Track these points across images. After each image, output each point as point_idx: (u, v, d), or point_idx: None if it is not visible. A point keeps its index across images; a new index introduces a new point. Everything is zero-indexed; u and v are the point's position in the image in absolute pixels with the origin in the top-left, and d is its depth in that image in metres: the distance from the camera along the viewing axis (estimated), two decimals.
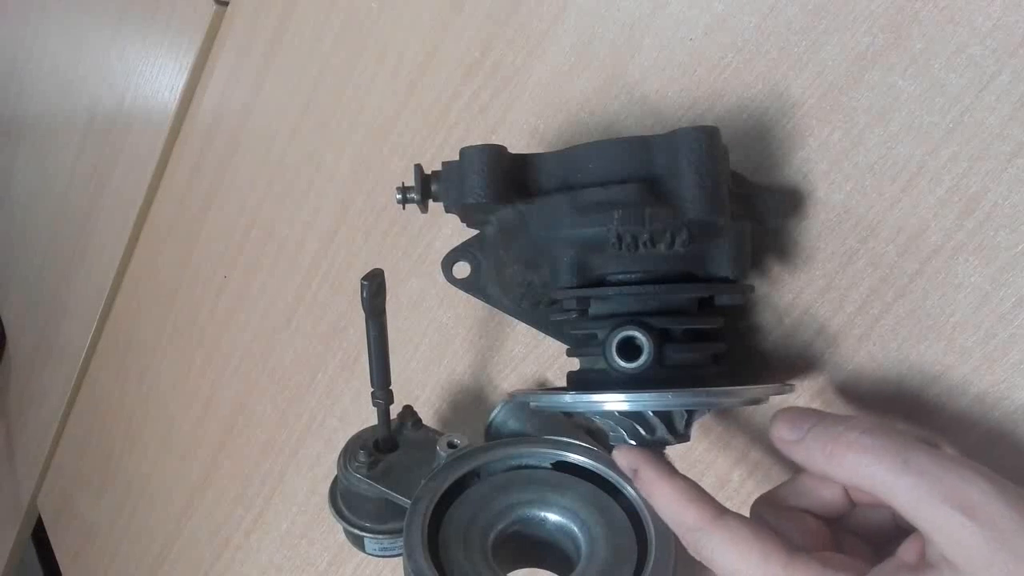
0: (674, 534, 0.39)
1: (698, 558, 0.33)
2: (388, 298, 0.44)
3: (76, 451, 1.11)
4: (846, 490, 0.34)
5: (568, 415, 0.47)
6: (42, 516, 1.22)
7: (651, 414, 0.38)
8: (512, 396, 0.46)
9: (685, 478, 0.35)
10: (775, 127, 0.40)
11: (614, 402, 0.36)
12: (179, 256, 0.84)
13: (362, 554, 0.50)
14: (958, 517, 0.27)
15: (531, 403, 0.40)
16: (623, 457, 0.37)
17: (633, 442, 0.38)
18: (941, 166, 0.36)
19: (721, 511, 0.33)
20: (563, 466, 0.44)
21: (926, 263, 0.36)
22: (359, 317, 0.44)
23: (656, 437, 0.38)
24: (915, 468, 0.28)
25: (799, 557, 0.30)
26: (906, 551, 0.30)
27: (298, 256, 0.68)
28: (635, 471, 0.36)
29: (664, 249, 0.36)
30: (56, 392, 1.13)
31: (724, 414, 0.43)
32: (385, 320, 0.45)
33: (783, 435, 0.33)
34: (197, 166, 0.81)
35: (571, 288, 0.38)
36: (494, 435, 0.48)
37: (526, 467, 0.45)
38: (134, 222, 0.92)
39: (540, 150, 0.47)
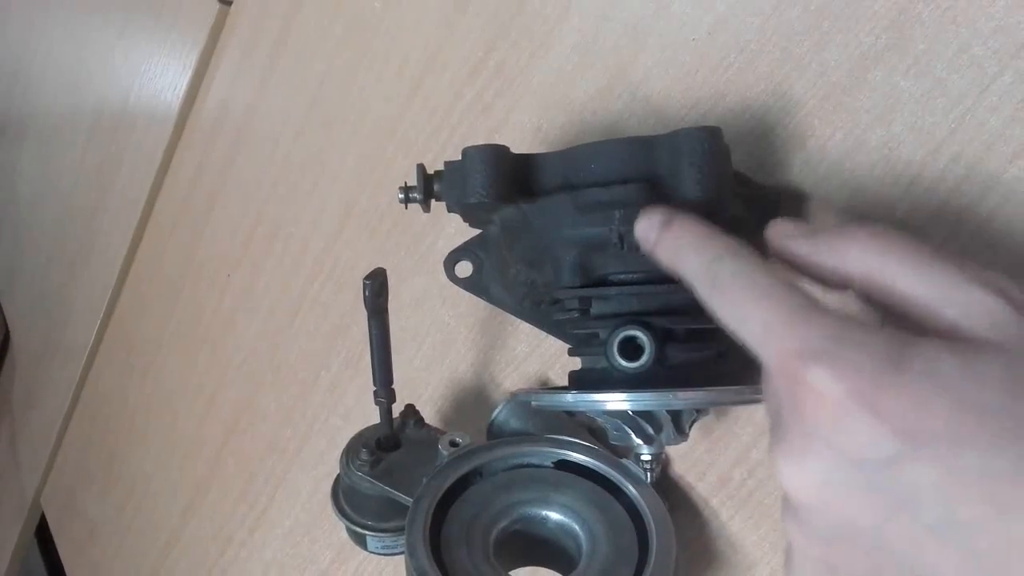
0: (674, 533, 0.39)
1: (709, 292, 0.29)
2: (391, 297, 0.44)
3: (80, 449, 1.11)
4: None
5: (570, 414, 0.47)
6: (46, 514, 1.22)
7: (654, 413, 0.38)
8: (514, 395, 0.46)
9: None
10: (777, 127, 0.40)
11: (616, 401, 0.36)
12: (183, 255, 0.85)
13: (364, 552, 0.50)
14: (994, 299, 0.25)
15: (533, 402, 0.40)
16: (652, 214, 0.34)
17: (639, 440, 0.38)
18: (943, 167, 0.36)
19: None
20: (565, 465, 0.44)
21: None
22: (362, 316, 0.45)
23: (657, 436, 0.39)
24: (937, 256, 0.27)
25: (820, 304, 0.27)
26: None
27: (302, 255, 0.68)
28: (668, 220, 0.33)
29: None
30: (60, 390, 1.13)
31: (725, 413, 0.43)
32: (387, 319, 0.45)
33: (786, 228, 0.31)
34: (201, 165, 0.82)
35: (573, 288, 0.38)
36: (496, 434, 0.48)
37: (528, 466, 0.45)
38: (138, 221, 0.92)
39: (543, 150, 0.47)
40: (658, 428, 0.38)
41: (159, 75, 0.87)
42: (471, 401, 0.55)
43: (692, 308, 0.37)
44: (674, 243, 0.32)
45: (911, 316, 0.27)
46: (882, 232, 0.28)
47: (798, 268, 0.31)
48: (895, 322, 0.28)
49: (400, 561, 0.43)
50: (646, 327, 0.36)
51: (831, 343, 0.25)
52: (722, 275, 0.29)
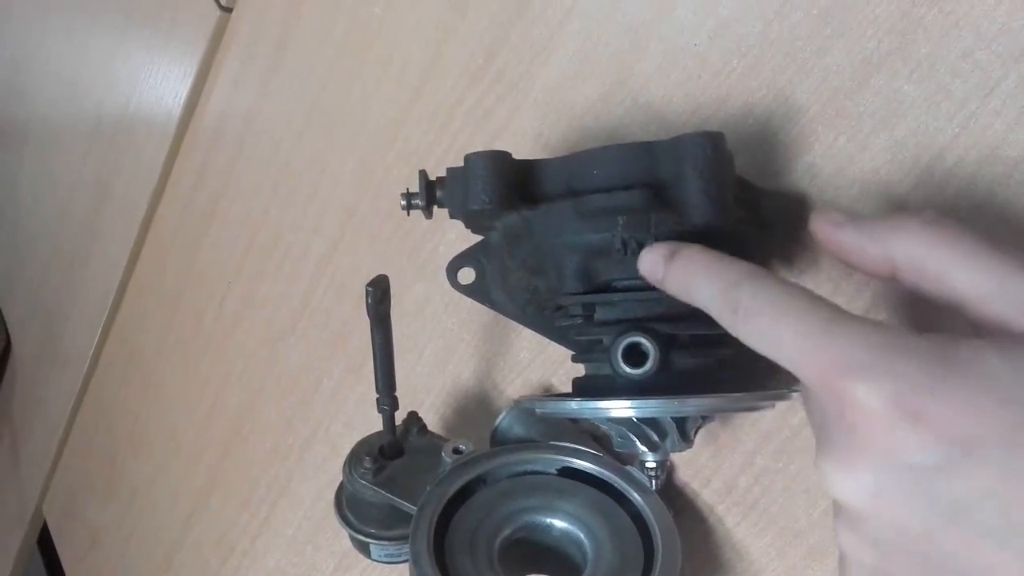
0: (680, 541, 0.39)
1: (733, 319, 0.29)
2: (393, 304, 0.44)
3: (81, 457, 1.11)
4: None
5: (574, 421, 0.47)
6: (47, 522, 1.22)
7: (659, 420, 0.38)
8: (517, 402, 0.46)
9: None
10: (780, 132, 0.40)
11: (620, 409, 0.36)
12: (184, 262, 0.84)
13: (368, 560, 0.50)
14: None
15: (536, 409, 0.40)
16: (654, 248, 0.34)
17: (644, 447, 0.38)
18: (947, 171, 0.36)
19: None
20: (569, 472, 0.44)
21: None
22: (364, 322, 0.44)
23: (662, 443, 0.38)
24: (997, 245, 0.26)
25: (849, 314, 0.27)
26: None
27: (303, 261, 0.68)
28: (674, 252, 0.33)
29: None
30: (61, 398, 1.13)
31: (730, 419, 0.43)
32: (390, 326, 0.45)
33: (833, 217, 0.31)
34: (201, 172, 0.82)
35: (576, 294, 0.38)
36: (499, 441, 0.48)
37: (531, 473, 0.45)
38: (139, 227, 0.92)
39: (544, 156, 0.47)
40: (663, 435, 0.38)
41: (159, 81, 0.87)
42: (474, 408, 0.55)
43: (696, 314, 0.37)
44: (683, 274, 0.32)
45: (962, 309, 0.27)
46: (932, 220, 0.28)
47: (844, 258, 0.31)
48: (945, 315, 0.27)
49: (404, 569, 0.43)
50: (650, 333, 0.36)
51: (869, 353, 0.25)
52: (743, 300, 0.29)
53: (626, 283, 0.37)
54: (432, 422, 0.56)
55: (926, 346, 0.24)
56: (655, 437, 0.38)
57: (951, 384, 0.23)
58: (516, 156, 0.40)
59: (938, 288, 0.27)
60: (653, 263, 0.34)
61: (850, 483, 0.25)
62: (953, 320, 0.27)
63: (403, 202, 0.42)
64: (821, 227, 0.31)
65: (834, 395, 0.25)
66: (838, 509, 0.27)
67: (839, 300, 0.39)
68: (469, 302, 0.46)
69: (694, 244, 0.33)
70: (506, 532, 0.41)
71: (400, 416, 0.49)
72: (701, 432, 0.41)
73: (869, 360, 0.24)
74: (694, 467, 0.45)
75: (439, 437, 0.51)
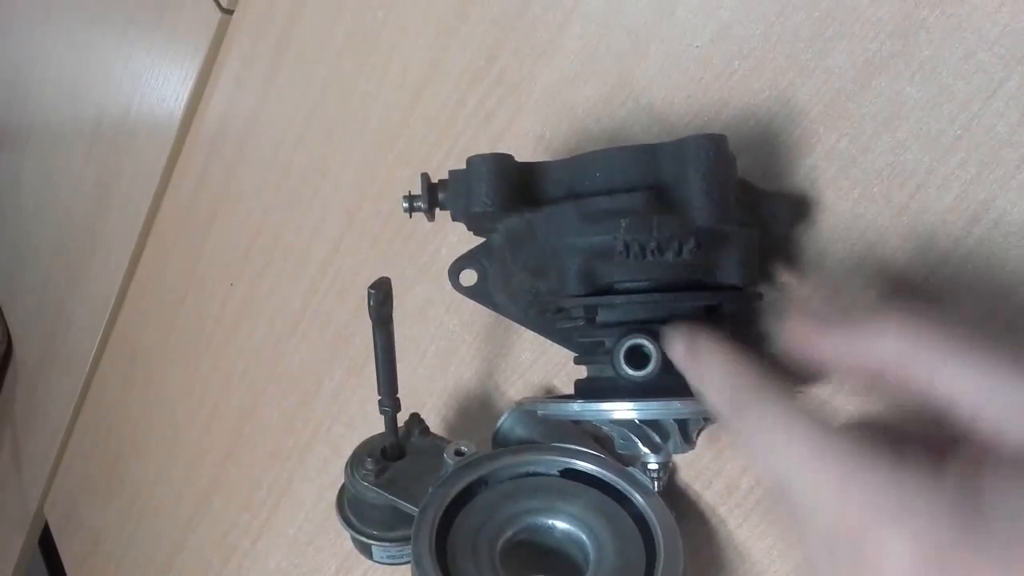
0: (682, 543, 0.39)
1: (739, 428, 0.29)
2: (394, 305, 0.44)
3: (82, 459, 1.11)
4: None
5: (576, 423, 0.47)
6: (49, 523, 1.22)
7: (661, 422, 0.38)
8: (519, 404, 0.46)
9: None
10: (782, 134, 0.40)
11: (623, 411, 0.36)
12: (185, 264, 0.85)
13: (370, 562, 0.50)
14: None
15: (539, 411, 0.40)
16: (681, 333, 0.34)
17: (646, 449, 0.38)
18: (949, 173, 0.36)
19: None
20: (571, 473, 0.44)
21: (934, 270, 0.36)
22: (365, 323, 0.44)
23: (664, 444, 0.38)
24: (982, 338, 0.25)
25: (865, 433, 0.25)
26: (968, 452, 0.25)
27: (304, 263, 0.68)
28: (690, 346, 0.33)
29: (672, 257, 0.36)
30: (62, 400, 1.13)
31: None
32: (392, 329, 0.45)
33: (808, 320, 0.30)
34: (203, 174, 0.82)
35: (578, 296, 0.38)
36: (501, 442, 0.48)
37: (534, 474, 0.45)
38: (140, 230, 0.92)
39: (546, 157, 0.47)
40: (665, 437, 0.38)
41: (160, 84, 0.87)
42: (476, 409, 0.55)
43: (698, 316, 0.37)
44: (696, 371, 0.33)
45: (954, 412, 0.26)
46: (911, 320, 0.27)
47: (826, 369, 0.30)
48: (938, 420, 0.26)
49: (406, 571, 0.43)
50: (652, 335, 0.36)
51: (895, 502, 0.23)
52: (749, 419, 0.28)
53: (628, 285, 0.37)
54: (434, 424, 0.56)
55: (952, 492, 0.23)
56: (657, 439, 0.38)
57: (981, 540, 0.22)
58: (518, 158, 0.40)
59: (927, 393, 0.26)
60: (673, 353, 0.34)
61: None
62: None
63: (405, 204, 0.42)
64: (794, 336, 0.31)
65: (856, 538, 0.24)
66: None
67: (840, 303, 0.39)
68: (471, 304, 0.46)
69: (712, 335, 0.33)
70: (508, 534, 0.41)
71: (402, 418, 0.49)
72: (703, 434, 0.41)
73: (894, 510, 0.23)
74: (696, 468, 0.45)
75: (441, 439, 0.51)
